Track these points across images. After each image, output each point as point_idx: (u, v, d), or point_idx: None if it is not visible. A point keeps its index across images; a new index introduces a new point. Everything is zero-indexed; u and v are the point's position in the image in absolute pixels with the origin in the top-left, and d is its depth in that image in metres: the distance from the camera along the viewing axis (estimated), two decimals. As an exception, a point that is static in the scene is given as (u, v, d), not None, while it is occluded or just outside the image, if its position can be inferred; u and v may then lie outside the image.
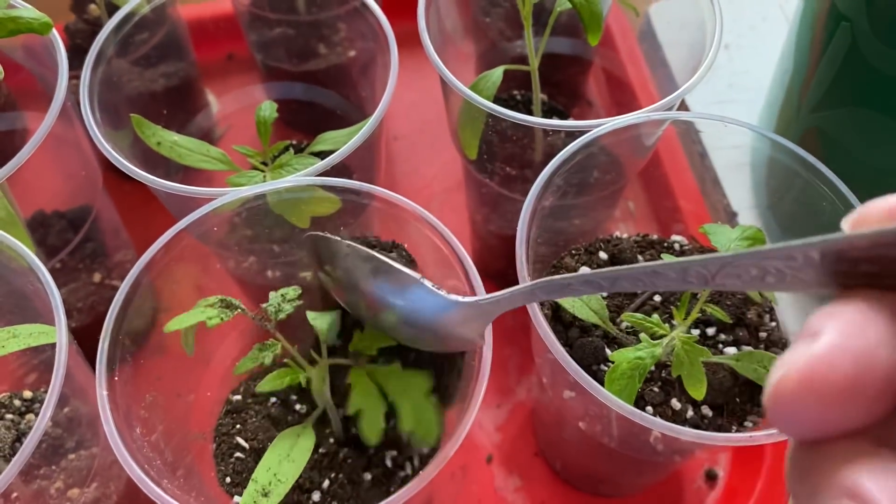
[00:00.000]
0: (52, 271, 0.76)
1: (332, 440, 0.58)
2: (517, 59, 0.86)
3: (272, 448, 0.50)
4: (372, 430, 0.49)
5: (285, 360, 0.52)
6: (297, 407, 0.60)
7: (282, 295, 0.52)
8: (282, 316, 0.51)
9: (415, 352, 0.55)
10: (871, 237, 0.22)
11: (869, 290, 0.22)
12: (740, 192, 0.91)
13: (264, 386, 0.50)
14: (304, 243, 0.55)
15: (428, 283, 0.47)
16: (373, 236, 0.61)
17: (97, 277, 0.77)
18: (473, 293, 0.52)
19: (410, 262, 0.60)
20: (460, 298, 0.46)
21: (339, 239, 0.51)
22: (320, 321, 0.53)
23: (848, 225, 0.25)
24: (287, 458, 0.49)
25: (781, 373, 0.22)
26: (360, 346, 0.53)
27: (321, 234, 0.52)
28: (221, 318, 0.48)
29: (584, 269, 0.61)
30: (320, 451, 0.57)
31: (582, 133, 0.58)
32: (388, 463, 0.56)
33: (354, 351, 0.54)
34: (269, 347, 0.51)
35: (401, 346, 0.54)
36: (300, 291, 0.53)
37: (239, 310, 0.50)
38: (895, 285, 0.23)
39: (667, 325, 0.53)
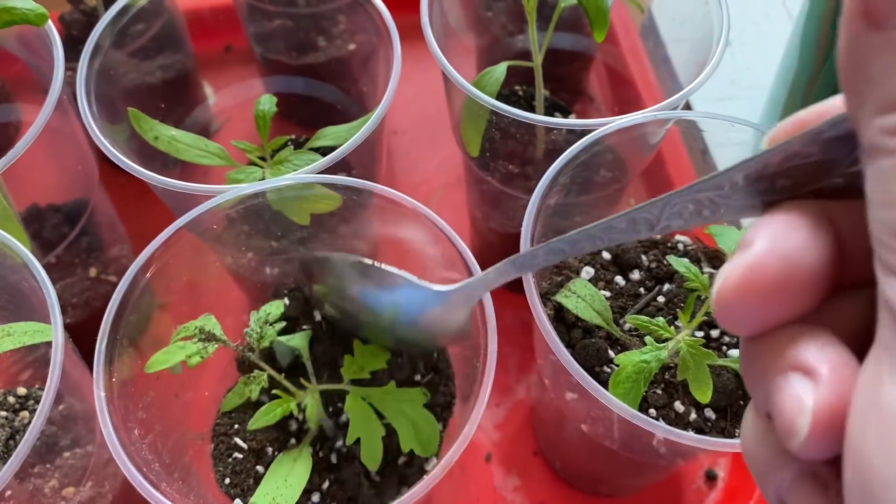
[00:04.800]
0: (48, 266, 0.75)
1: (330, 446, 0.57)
2: (519, 53, 0.85)
3: (270, 473, 0.50)
4: (371, 457, 0.50)
5: (274, 391, 0.51)
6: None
7: (264, 318, 0.52)
8: (265, 344, 0.51)
9: (408, 369, 0.56)
10: (781, 150, 0.25)
11: (790, 202, 0.26)
12: (742, 190, 0.90)
13: (256, 423, 0.49)
14: (295, 267, 0.56)
15: (413, 278, 0.48)
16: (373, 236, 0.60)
17: (93, 272, 0.76)
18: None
19: None
20: (442, 287, 0.46)
21: (328, 255, 0.52)
22: (298, 340, 0.53)
23: (765, 144, 0.27)
24: (285, 483, 0.49)
25: (722, 280, 0.25)
26: (353, 370, 0.53)
27: (313, 255, 0.53)
28: (201, 357, 0.48)
29: (588, 269, 0.60)
30: (319, 454, 0.56)
31: (586, 131, 0.57)
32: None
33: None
34: (254, 380, 0.50)
35: (392, 366, 0.54)
36: (282, 310, 0.53)
37: (220, 342, 0.49)
38: (810, 193, 0.26)
39: (672, 327, 0.53)
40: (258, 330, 0.53)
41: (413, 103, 1.00)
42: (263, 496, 0.48)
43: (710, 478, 0.74)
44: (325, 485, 0.55)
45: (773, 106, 0.85)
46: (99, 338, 0.48)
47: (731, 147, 0.92)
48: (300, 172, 0.57)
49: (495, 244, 0.81)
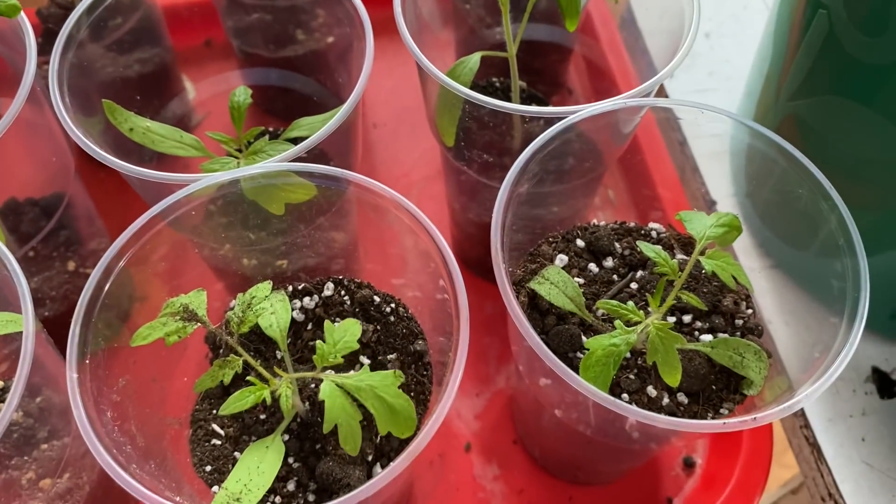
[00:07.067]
0: (25, 259, 0.75)
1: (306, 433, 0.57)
2: (497, 45, 0.85)
3: (242, 460, 0.50)
4: (350, 442, 0.49)
5: (248, 378, 0.51)
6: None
7: (248, 301, 0.52)
8: (245, 329, 0.51)
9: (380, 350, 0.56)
10: None
11: None
12: (719, 180, 0.91)
13: (228, 408, 0.49)
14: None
15: None
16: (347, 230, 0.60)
17: (71, 266, 0.76)
18: (451, 280, 0.51)
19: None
20: None
21: None
22: (275, 330, 0.53)
23: None
24: (257, 469, 0.49)
25: None
26: (325, 356, 0.52)
27: None
28: (179, 337, 0.48)
29: (562, 257, 0.61)
30: (296, 441, 0.56)
31: (560, 120, 0.58)
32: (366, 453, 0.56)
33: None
34: (229, 364, 0.50)
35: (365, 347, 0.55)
36: (268, 293, 0.52)
37: (200, 323, 0.49)
38: None
39: (642, 312, 0.53)
40: (240, 314, 0.52)
41: (393, 96, 1.00)
42: (235, 482, 0.48)
43: (688, 465, 0.75)
44: (302, 472, 0.55)
45: (748, 96, 0.86)
46: (73, 319, 0.49)
47: (708, 138, 0.92)
48: (272, 161, 0.57)
49: (474, 235, 0.81)
